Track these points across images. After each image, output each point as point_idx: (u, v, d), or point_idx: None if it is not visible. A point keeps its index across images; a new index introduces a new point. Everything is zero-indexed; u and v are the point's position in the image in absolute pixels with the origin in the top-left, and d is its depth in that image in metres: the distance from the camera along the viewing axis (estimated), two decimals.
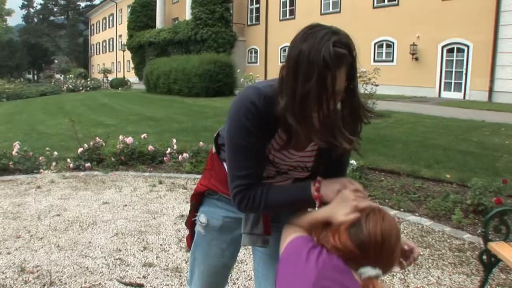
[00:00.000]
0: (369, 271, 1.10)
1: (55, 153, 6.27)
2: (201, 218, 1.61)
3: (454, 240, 3.52)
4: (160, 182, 5.25)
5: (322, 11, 21.82)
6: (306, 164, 1.41)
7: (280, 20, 24.64)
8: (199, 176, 5.23)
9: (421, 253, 3.21)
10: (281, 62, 24.22)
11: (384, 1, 19.22)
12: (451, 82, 16.93)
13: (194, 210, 1.65)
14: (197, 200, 1.64)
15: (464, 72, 16.18)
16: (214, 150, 1.56)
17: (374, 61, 18.42)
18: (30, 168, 5.90)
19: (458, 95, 16.40)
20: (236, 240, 1.61)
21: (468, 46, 15.92)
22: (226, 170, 1.40)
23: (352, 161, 5.03)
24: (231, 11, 26.87)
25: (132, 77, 35.74)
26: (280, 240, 1.35)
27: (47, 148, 6.41)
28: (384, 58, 19.12)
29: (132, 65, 36.69)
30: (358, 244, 1.11)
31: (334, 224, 1.18)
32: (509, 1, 14.63)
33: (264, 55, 25.56)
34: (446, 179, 5.21)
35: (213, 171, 1.58)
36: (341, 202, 1.20)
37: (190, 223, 1.69)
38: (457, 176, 5.27)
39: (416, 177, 5.31)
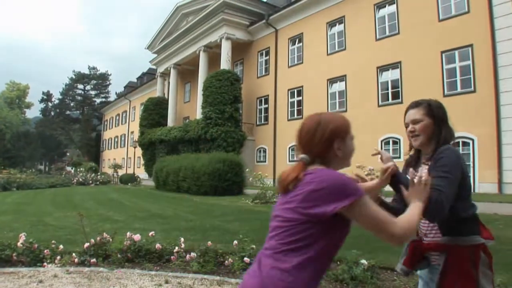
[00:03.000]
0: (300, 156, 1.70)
1: (61, 246, 6.17)
2: None
3: None
4: (167, 282, 5.07)
5: (329, 110, 22.54)
6: None
7: (288, 120, 25.33)
8: (206, 276, 5.10)
9: None
10: (289, 161, 24.74)
11: (388, 100, 19.90)
12: None
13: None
14: None
15: (472, 165, 16.21)
16: None
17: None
18: (34, 261, 5.79)
19: None
20: None
21: (473, 140, 16.17)
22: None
23: (363, 261, 4.90)
24: (241, 111, 27.76)
25: (142, 173, 36.20)
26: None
27: (52, 241, 6.32)
28: (392, 154, 19.26)
29: (142, 162, 37.21)
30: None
31: None
32: (506, 96, 15.24)
33: (273, 154, 25.85)
34: None
35: None
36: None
37: None
38: None
39: None
